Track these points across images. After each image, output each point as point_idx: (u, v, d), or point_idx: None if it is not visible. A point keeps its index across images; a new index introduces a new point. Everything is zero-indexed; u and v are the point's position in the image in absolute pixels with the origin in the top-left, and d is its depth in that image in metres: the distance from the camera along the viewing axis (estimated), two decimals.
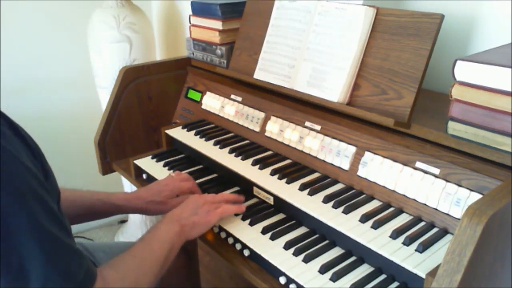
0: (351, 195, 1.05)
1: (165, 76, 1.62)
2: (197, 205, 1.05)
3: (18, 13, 2.16)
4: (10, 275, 0.67)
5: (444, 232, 0.92)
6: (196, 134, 1.42)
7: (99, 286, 0.76)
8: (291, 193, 1.08)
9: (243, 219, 1.09)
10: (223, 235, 1.09)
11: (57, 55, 2.31)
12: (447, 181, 0.93)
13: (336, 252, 0.98)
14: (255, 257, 1.01)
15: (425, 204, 0.95)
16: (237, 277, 1.66)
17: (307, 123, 1.22)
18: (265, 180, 1.14)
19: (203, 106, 1.55)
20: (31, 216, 0.68)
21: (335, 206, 1.01)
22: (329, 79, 1.17)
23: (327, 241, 1.01)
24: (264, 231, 1.04)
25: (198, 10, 1.57)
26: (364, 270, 0.93)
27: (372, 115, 1.06)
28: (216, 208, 1.05)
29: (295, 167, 1.19)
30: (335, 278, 0.89)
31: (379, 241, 0.90)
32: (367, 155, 1.07)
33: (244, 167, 1.21)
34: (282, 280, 0.93)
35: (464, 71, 0.88)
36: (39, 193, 0.71)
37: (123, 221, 2.65)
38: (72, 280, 0.71)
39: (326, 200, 1.03)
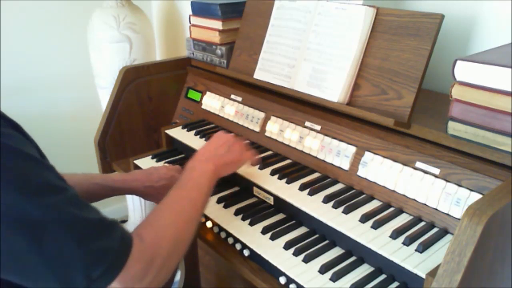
0: (351, 195, 1.05)
1: (165, 76, 1.62)
2: (229, 143, 1.05)
3: (18, 13, 2.16)
4: (54, 269, 0.68)
5: (444, 232, 0.92)
6: (196, 134, 1.42)
7: (137, 248, 0.76)
8: (291, 193, 1.08)
9: (243, 219, 1.09)
10: (223, 235, 1.09)
11: (57, 55, 2.31)
12: (447, 181, 0.93)
13: (336, 252, 0.98)
14: (255, 257, 1.01)
15: (425, 204, 0.95)
16: (237, 277, 1.66)
17: (307, 123, 1.22)
18: (265, 180, 1.14)
19: (203, 106, 1.55)
20: (52, 207, 0.69)
21: (335, 206, 1.01)
22: (329, 79, 1.17)
23: (327, 241, 1.01)
24: (264, 231, 1.04)
25: (198, 10, 1.57)
26: (364, 270, 0.93)
27: (372, 115, 1.06)
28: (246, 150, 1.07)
29: (295, 167, 1.19)
30: (335, 278, 0.89)
31: (379, 241, 0.90)
32: (367, 155, 1.07)
33: (243, 167, 1.21)
34: (282, 280, 0.94)
35: (464, 71, 0.88)
36: (52, 181, 0.71)
37: (123, 221, 2.65)
38: (109, 253, 0.72)
39: (326, 200, 1.03)
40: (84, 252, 0.70)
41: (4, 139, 0.68)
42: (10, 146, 0.68)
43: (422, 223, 0.95)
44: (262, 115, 1.35)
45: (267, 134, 1.31)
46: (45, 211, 0.68)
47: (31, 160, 0.70)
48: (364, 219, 0.96)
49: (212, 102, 1.51)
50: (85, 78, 2.29)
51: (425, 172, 0.97)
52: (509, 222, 0.73)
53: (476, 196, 0.88)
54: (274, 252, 0.98)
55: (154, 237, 0.81)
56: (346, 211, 0.99)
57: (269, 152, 1.28)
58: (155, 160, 1.42)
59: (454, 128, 0.92)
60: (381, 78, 1.10)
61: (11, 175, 0.66)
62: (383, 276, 0.90)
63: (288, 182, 1.12)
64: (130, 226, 2.48)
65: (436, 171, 0.95)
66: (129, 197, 2.41)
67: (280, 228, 1.05)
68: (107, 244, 0.73)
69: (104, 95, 2.12)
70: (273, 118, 1.31)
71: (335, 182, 1.12)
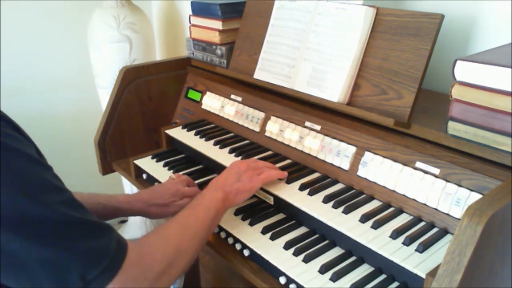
0: (351, 195, 1.05)
1: (165, 76, 1.62)
2: (240, 171, 1.07)
3: (18, 13, 2.16)
4: (49, 269, 0.69)
5: (444, 232, 0.92)
6: (196, 134, 1.42)
7: (136, 252, 0.77)
8: (291, 193, 1.08)
9: (243, 219, 1.09)
10: (223, 235, 1.09)
11: (57, 55, 2.31)
12: (447, 181, 0.93)
13: (336, 252, 0.98)
14: (255, 257, 1.01)
15: (425, 204, 0.95)
16: (237, 277, 1.66)
17: (307, 123, 1.22)
18: None
19: (203, 106, 1.55)
20: (49, 207, 0.69)
21: (335, 206, 1.01)
22: (329, 79, 1.17)
23: (327, 241, 1.01)
24: (264, 231, 1.04)
25: (198, 10, 1.57)
26: (364, 270, 0.93)
27: (372, 115, 1.06)
28: (258, 174, 1.08)
29: (295, 167, 1.19)
30: (335, 278, 0.89)
31: (379, 241, 0.90)
32: (367, 155, 1.07)
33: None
34: (282, 280, 0.93)
35: (464, 71, 0.88)
36: (51, 181, 0.72)
37: (123, 221, 2.65)
38: (105, 255, 0.73)
39: (326, 200, 1.03)
40: (79, 252, 0.70)
41: (4, 139, 0.68)
42: (9, 146, 0.68)
43: (422, 223, 0.95)
44: (262, 115, 1.35)
45: (267, 134, 1.31)
46: (43, 210, 0.68)
47: (30, 160, 0.70)
48: (364, 219, 0.96)
49: (212, 102, 1.51)
50: (85, 78, 2.30)
51: (425, 172, 0.97)
52: (509, 222, 0.73)
53: (476, 196, 0.88)
54: (274, 252, 0.98)
55: (157, 243, 0.84)
56: (346, 211, 0.99)
57: (269, 152, 1.28)
58: (155, 160, 1.42)
59: (454, 128, 0.92)
60: (381, 78, 1.10)
61: (10, 175, 0.66)
62: (383, 276, 0.90)
63: (288, 182, 1.12)
64: (130, 226, 2.48)
65: (436, 171, 0.95)
66: None
67: (280, 228, 1.05)
68: (103, 245, 0.73)
69: (104, 95, 2.12)
70: (273, 118, 1.31)
71: (335, 182, 1.12)
